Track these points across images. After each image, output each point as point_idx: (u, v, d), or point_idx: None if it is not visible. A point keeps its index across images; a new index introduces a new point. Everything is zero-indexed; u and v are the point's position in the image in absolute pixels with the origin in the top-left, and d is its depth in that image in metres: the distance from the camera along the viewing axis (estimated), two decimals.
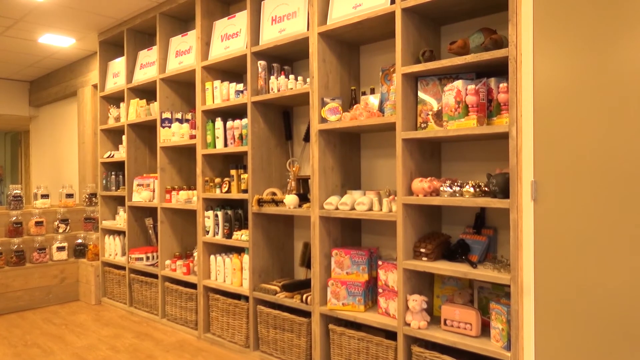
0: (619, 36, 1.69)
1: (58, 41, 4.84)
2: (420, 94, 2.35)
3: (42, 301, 4.46)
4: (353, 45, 2.88)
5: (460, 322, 2.17)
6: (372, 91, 2.74)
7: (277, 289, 2.95)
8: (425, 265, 2.23)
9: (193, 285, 3.69)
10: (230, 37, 3.28)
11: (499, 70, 2.17)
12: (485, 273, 2.04)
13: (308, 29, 2.75)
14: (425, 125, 2.33)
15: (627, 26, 1.67)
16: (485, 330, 2.19)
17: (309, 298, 2.75)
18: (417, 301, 2.24)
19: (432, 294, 2.49)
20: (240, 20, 3.23)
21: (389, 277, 2.44)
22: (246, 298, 3.16)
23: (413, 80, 2.36)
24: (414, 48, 2.36)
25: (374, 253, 2.67)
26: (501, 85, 2.04)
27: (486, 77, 2.18)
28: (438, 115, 2.29)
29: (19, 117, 7.27)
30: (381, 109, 2.59)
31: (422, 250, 2.29)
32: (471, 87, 2.07)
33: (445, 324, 2.22)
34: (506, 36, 2.16)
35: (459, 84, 2.11)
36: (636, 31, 1.66)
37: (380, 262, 2.49)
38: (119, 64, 4.46)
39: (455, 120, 2.13)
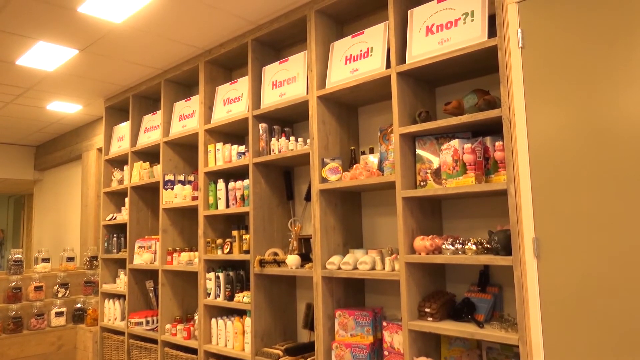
0: (609, 89, 1.75)
1: (65, 108, 4.99)
2: (420, 152, 2.40)
3: None
4: (351, 107, 2.97)
5: None
6: (372, 151, 2.79)
7: (280, 353, 2.87)
8: (431, 325, 2.18)
9: (194, 351, 3.58)
10: (232, 101, 3.39)
11: (494, 128, 2.23)
12: (493, 333, 1.99)
13: (307, 93, 2.84)
14: (424, 183, 2.36)
15: (616, 78, 1.73)
16: None
17: None
18: None
19: (440, 356, 2.41)
20: (242, 85, 3.35)
21: (395, 338, 2.38)
22: None
23: (411, 140, 2.42)
24: (410, 109, 2.43)
25: (378, 313, 2.61)
26: (497, 143, 2.08)
27: (482, 135, 2.23)
28: (437, 174, 2.32)
29: (23, 181, 7.35)
30: (380, 168, 2.63)
31: (427, 310, 2.25)
32: (467, 146, 2.11)
33: None
34: (499, 96, 2.23)
35: (455, 143, 2.16)
36: (624, 81, 1.71)
37: (385, 323, 2.44)
38: (123, 128, 4.58)
39: (453, 179, 2.16)
